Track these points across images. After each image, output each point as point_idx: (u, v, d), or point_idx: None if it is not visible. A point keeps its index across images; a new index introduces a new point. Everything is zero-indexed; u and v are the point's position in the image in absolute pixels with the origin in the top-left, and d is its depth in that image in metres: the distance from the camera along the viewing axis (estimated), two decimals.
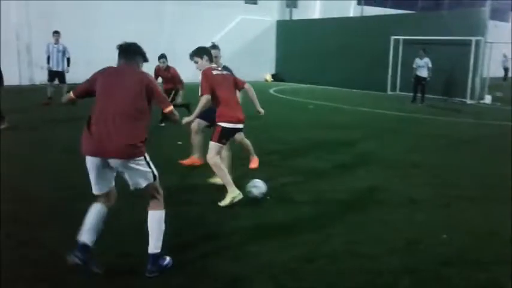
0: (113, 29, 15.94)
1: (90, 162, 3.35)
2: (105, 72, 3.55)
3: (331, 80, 21.44)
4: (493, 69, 19.53)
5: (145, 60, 3.69)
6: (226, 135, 5.09)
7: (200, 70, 5.15)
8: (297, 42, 23.55)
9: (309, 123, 11.41)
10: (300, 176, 5.41)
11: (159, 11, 19.92)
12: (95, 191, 3.46)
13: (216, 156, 5.02)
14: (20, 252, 3.79)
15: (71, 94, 3.70)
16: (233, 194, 4.94)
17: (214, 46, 6.02)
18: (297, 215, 4.89)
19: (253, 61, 23.28)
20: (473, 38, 16.46)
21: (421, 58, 15.61)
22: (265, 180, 5.37)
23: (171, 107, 3.69)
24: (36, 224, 4.40)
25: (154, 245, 3.43)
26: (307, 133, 9.97)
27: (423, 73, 15.61)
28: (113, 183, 3.55)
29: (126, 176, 3.43)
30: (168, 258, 3.57)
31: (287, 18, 25.53)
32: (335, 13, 23.67)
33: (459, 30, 16.75)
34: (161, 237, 3.46)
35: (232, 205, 4.98)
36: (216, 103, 5.06)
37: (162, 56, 9.60)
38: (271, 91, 19.15)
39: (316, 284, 3.46)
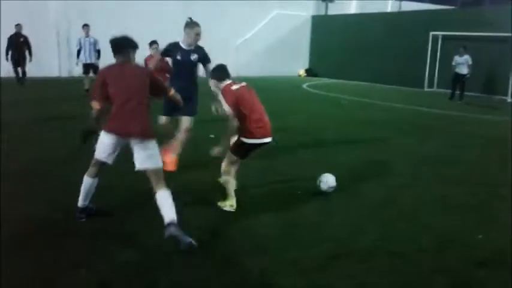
0: (140, 28, 15.92)
1: (111, 138, 3.89)
2: (110, 70, 4.03)
3: (366, 76, 21.18)
4: None
5: (136, 47, 4.10)
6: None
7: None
8: (332, 37, 23.35)
9: (341, 119, 11.29)
10: (332, 171, 5.34)
11: (185, 11, 19.93)
12: (103, 159, 4.00)
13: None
14: None
15: (95, 106, 4.30)
16: (232, 202, 4.73)
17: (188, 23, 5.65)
18: (328, 210, 4.84)
19: (287, 56, 23.33)
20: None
21: (460, 55, 15.19)
22: (296, 175, 5.33)
23: (172, 90, 4.49)
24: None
25: (172, 214, 3.72)
26: (340, 128, 9.88)
27: (463, 70, 15.19)
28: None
29: (138, 156, 3.85)
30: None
31: (322, 13, 25.31)
32: (372, 8, 23.29)
33: (500, 26, 16.21)
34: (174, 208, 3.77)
35: (261, 198, 4.98)
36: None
37: (154, 42, 8.95)
38: (304, 86, 19.04)
39: (345, 281, 3.42)
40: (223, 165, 4.73)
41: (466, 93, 15.56)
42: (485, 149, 8.28)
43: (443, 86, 17.54)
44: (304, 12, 24.67)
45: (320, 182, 5.20)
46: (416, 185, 5.87)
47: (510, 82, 16.19)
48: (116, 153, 4.00)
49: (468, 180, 6.16)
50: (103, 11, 17.50)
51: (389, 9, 26.55)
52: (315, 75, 23.87)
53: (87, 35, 13.10)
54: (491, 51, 16.43)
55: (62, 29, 18.09)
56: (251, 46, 22.28)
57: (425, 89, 18.84)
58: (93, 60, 13.11)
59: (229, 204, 4.70)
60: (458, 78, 15.32)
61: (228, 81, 4.68)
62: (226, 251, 3.79)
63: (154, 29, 14.19)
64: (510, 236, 4.27)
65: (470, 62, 15.04)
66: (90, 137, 4.56)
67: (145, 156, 3.85)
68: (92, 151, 4.06)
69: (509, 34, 15.95)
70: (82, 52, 13.10)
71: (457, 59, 15.32)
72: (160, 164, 3.94)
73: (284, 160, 6.78)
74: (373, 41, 20.90)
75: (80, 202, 4.14)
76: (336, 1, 25.49)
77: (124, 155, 4.03)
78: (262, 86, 18.94)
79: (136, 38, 4.18)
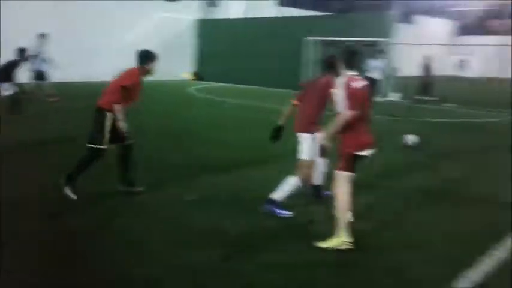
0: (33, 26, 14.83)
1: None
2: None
3: (252, 79, 21.68)
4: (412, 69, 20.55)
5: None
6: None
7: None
8: (218, 41, 23.60)
9: (219, 121, 11.51)
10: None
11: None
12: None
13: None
14: None
15: None
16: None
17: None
18: None
19: (172, 60, 22.92)
20: (383, 40, 17.42)
21: (375, 60, 15.78)
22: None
23: None
24: None
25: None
26: (210, 130, 10.04)
27: (374, 74, 15.65)
28: None
29: None
30: None
31: (207, 17, 25.49)
32: (256, 13, 23.99)
33: (370, 32, 17.65)
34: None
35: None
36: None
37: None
38: (190, 90, 19.01)
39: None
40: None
41: None
42: None
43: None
44: (188, 15, 24.63)
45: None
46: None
47: (383, 83, 17.63)
48: None
49: None
50: None
51: (272, 14, 27.54)
52: (202, 79, 23.94)
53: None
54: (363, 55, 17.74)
55: None
56: (132, 50, 21.60)
57: None
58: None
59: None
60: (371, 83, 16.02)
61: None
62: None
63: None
64: None
65: (382, 67, 15.69)
66: None
67: None
68: None
69: (378, 39, 17.39)
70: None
71: (371, 63, 15.77)
72: None
73: None
74: (257, 45, 21.53)
75: None
76: (221, 4, 25.84)
77: None
78: (145, 89, 18.60)
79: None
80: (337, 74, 4.51)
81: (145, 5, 22.11)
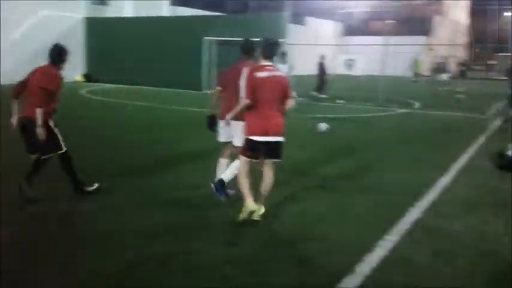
0: None
1: None
2: None
3: (148, 80, 21.11)
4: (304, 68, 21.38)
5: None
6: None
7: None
8: (110, 40, 22.61)
9: (129, 124, 11.09)
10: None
11: None
12: None
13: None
14: None
15: None
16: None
17: None
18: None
19: None
20: (278, 40, 17.88)
21: (283, 63, 15.67)
22: None
23: None
24: None
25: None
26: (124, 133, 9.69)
27: None
28: None
29: None
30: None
31: (96, 15, 24.32)
32: (148, 12, 23.39)
33: (264, 32, 18.01)
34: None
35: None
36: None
37: None
38: (82, 92, 18.03)
39: None
40: None
41: None
42: None
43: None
44: (75, 13, 23.31)
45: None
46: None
47: None
48: None
49: None
50: None
51: (164, 13, 27.06)
52: (96, 81, 22.80)
53: None
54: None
55: None
56: (17, 50, 20.03)
57: (204, 91, 19.78)
58: None
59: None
60: None
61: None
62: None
63: None
64: None
65: (287, 69, 15.50)
66: None
67: None
68: None
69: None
70: None
71: (280, 66, 15.73)
72: None
73: None
74: (151, 45, 21.03)
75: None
76: (111, 3, 24.82)
77: None
78: None
79: None
80: (254, 60, 4.81)
81: (29, 3, 20.53)
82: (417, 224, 4.76)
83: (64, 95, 5.47)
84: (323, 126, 10.37)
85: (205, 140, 7.00)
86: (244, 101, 4.50)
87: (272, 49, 4.71)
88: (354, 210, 5.22)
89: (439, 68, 25.97)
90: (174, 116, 12.81)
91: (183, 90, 19.44)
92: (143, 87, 20.72)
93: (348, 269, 3.69)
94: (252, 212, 4.56)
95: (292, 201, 5.41)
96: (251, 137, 4.53)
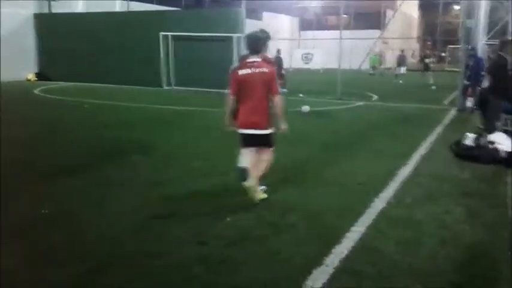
0: None
1: None
2: None
3: (104, 78, 20.53)
4: None
5: None
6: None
7: None
8: (62, 37, 21.79)
9: (85, 124, 10.78)
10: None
11: None
12: None
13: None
14: None
15: None
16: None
17: None
18: None
19: (11, 59, 20.59)
20: (234, 35, 17.85)
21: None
22: None
23: None
24: None
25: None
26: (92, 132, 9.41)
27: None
28: None
29: None
30: None
31: (46, 11, 23.46)
32: (101, 7, 22.74)
33: (220, 28, 17.96)
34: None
35: None
36: None
37: None
38: (36, 91, 17.38)
39: None
40: None
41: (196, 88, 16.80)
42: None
43: (180, 84, 18.56)
44: (23, 10, 22.39)
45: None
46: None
47: None
48: None
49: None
50: None
51: (117, 9, 26.36)
52: (48, 79, 22.01)
53: None
54: (214, 50, 17.94)
55: None
56: None
57: (165, 87, 19.50)
58: None
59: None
60: None
61: None
62: None
63: None
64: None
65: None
66: None
67: None
68: None
69: (228, 34, 17.78)
70: None
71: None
72: None
73: None
74: (106, 41, 20.43)
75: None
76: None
77: None
78: None
79: None
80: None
81: None
82: (382, 215, 4.86)
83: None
84: (306, 108, 12.11)
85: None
86: (229, 97, 4.99)
87: (259, 44, 4.99)
88: (318, 202, 5.27)
89: (401, 61, 26.65)
90: (133, 115, 12.54)
91: (145, 88, 19.02)
92: (100, 84, 20.14)
93: (317, 261, 3.73)
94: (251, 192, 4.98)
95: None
96: (240, 131, 5.02)
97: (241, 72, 4.91)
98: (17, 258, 3.80)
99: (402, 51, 28.67)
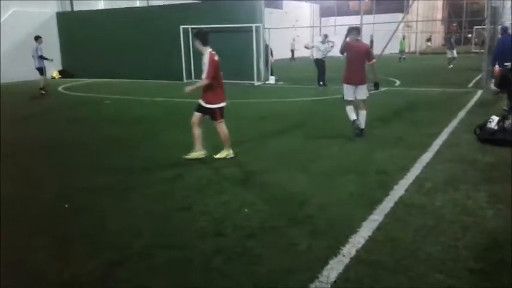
0: None
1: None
2: None
3: (126, 73, 20.85)
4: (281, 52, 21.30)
5: None
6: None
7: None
8: (84, 35, 22.21)
9: (111, 118, 10.94)
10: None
11: None
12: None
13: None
14: None
15: None
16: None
17: None
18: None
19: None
20: (253, 25, 17.78)
21: (323, 42, 16.68)
22: None
23: None
24: None
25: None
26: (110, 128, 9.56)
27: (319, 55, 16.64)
28: None
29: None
30: None
31: (68, 9, 23.82)
32: (121, 3, 22.96)
33: (240, 18, 17.92)
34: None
35: None
36: None
37: None
38: (60, 89, 17.72)
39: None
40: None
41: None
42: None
43: (200, 76, 18.58)
44: (47, 9, 22.78)
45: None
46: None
47: (255, 68, 18.12)
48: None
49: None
50: None
51: (138, 4, 26.55)
52: (71, 76, 22.43)
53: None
54: (235, 41, 17.97)
55: None
56: None
57: (185, 81, 19.60)
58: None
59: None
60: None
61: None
62: None
63: None
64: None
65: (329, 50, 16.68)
66: None
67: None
68: None
69: (248, 25, 17.73)
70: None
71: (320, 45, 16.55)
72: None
73: None
74: (128, 36, 20.67)
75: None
76: None
77: None
78: (14, 92, 16.97)
79: None
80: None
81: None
82: (401, 202, 4.79)
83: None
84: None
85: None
86: (205, 81, 6.43)
87: (208, 37, 6.47)
88: (337, 191, 5.23)
89: (450, 44, 24.77)
90: (151, 109, 12.64)
91: (165, 82, 19.16)
92: (123, 80, 20.40)
93: (334, 251, 3.70)
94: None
95: (273, 186, 5.40)
96: (221, 104, 6.60)
97: (216, 58, 6.51)
98: (40, 251, 3.90)
99: (450, 33, 27.36)
